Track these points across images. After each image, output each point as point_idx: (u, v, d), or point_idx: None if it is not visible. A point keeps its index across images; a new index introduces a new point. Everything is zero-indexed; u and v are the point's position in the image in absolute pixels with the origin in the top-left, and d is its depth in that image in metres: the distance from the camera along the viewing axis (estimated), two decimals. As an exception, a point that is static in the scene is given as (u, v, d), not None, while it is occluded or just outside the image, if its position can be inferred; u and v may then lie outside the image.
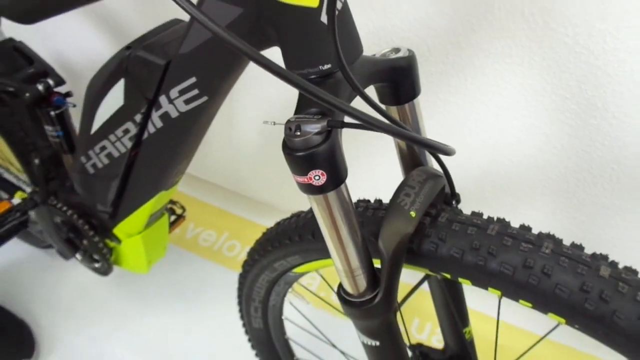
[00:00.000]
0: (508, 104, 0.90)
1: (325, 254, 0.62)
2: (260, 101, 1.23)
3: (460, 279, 0.52)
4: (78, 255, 1.05)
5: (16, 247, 1.46)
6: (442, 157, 0.50)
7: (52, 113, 0.86)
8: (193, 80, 0.55)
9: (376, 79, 0.51)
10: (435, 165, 0.56)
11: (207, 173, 1.61)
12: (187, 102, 0.57)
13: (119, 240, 0.95)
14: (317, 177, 0.42)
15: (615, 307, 0.43)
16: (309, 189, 0.44)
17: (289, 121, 0.42)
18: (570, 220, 1.02)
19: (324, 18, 0.42)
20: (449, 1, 0.82)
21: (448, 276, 0.53)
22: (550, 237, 0.49)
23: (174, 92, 0.57)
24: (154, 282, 1.37)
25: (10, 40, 0.88)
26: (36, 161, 0.94)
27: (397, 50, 0.52)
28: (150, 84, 0.58)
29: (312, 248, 0.63)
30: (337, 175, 0.43)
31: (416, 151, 0.57)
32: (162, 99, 0.59)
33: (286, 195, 1.47)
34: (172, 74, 0.56)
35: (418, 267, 0.54)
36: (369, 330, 0.55)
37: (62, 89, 0.88)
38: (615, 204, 0.94)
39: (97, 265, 1.05)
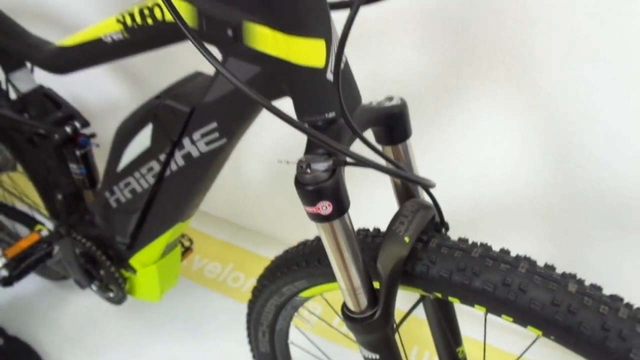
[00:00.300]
0: (495, 141, 0.99)
1: (329, 278, 0.69)
2: (263, 140, 1.32)
3: (450, 298, 0.59)
4: (94, 285, 1.11)
5: (28, 279, 1.51)
6: (431, 189, 0.58)
7: (78, 152, 0.94)
8: (214, 125, 0.63)
9: (373, 124, 0.59)
10: (427, 197, 0.64)
11: (213, 207, 1.69)
12: (207, 143, 0.65)
13: (134, 271, 1.02)
14: (324, 208, 0.50)
15: (581, 319, 0.50)
16: (317, 217, 0.51)
17: (300, 160, 0.50)
18: (557, 248, 1.09)
19: (329, 76, 0.50)
20: (438, 51, 0.92)
21: (439, 295, 0.60)
22: (526, 258, 0.56)
23: (196, 135, 0.65)
24: (161, 312, 1.42)
25: (41, 87, 0.97)
26: (59, 197, 1.02)
27: (390, 98, 0.60)
28: (176, 128, 0.66)
29: (318, 273, 0.70)
30: (341, 205, 0.51)
31: (409, 185, 0.65)
32: (186, 140, 0.67)
33: (288, 228, 1.54)
34: (196, 119, 0.64)
35: (412, 287, 0.61)
36: (369, 344, 0.61)
37: (86, 131, 0.96)
38: (597, 232, 1.01)
39: (111, 294, 1.11)
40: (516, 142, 0.96)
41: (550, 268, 0.55)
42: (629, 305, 0.51)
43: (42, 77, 0.96)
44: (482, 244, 0.58)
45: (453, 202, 1.13)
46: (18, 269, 0.96)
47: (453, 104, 0.98)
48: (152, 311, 1.42)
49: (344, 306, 0.61)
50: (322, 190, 0.49)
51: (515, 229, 1.11)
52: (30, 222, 1.21)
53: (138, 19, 0.60)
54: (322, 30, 0.49)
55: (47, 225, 1.17)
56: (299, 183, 0.50)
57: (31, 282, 1.51)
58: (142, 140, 0.72)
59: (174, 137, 0.68)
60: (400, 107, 0.59)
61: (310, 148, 0.52)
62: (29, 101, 0.94)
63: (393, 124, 0.60)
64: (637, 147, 0.86)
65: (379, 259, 0.57)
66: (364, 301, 0.58)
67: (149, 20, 0.59)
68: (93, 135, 0.96)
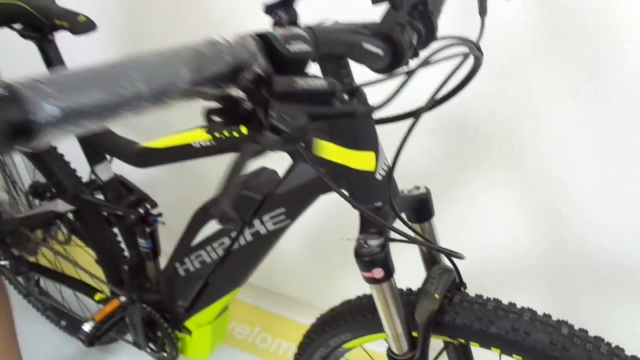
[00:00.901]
0: (497, 214, 1.17)
1: (370, 331, 0.86)
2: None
3: (471, 343, 0.76)
4: (149, 347, 1.25)
5: (67, 342, 1.65)
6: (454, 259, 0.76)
7: (147, 230, 1.12)
8: (282, 210, 0.81)
9: (407, 208, 0.78)
10: (447, 262, 0.82)
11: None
12: (274, 224, 0.83)
13: (189, 332, 1.16)
14: (378, 273, 0.68)
15: (572, 354, 0.67)
16: (372, 280, 0.69)
17: (359, 238, 0.68)
18: (556, 303, 1.24)
19: (377, 176, 0.69)
20: (445, 140, 1.12)
21: (462, 341, 0.76)
22: (528, 309, 0.73)
23: (266, 218, 0.84)
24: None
25: (117, 175, 1.16)
26: (125, 267, 1.18)
27: (417, 188, 0.79)
28: (249, 211, 0.85)
29: (361, 326, 0.86)
30: (389, 271, 0.69)
31: (434, 253, 0.83)
32: (256, 221, 0.85)
33: (312, 292, 1.69)
34: (267, 205, 0.83)
35: (441, 335, 0.78)
36: (409, 381, 0.77)
37: (154, 211, 1.15)
38: (589, 289, 1.18)
39: (165, 354, 1.25)
40: (515, 214, 1.15)
41: (547, 316, 0.72)
42: (608, 344, 0.68)
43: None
44: (494, 299, 0.76)
45: (468, 266, 1.30)
46: (100, 331, 1.11)
47: (459, 181, 1.18)
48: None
49: (389, 350, 0.77)
50: (376, 261, 0.67)
51: (520, 286, 1.28)
52: (89, 290, 1.37)
53: (226, 132, 0.80)
54: (372, 145, 0.68)
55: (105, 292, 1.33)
56: (358, 255, 0.68)
57: (70, 345, 1.64)
58: (219, 221, 0.90)
59: (246, 218, 0.86)
60: (425, 194, 0.78)
61: (364, 227, 0.71)
62: (107, 188, 1.13)
63: (420, 207, 0.78)
64: (614, 217, 1.04)
65: (416, 312, 0.74)
66: (405, 346, 0.75)
67: (235, 134, 0.79)
68: (160, 215, 1.14)
